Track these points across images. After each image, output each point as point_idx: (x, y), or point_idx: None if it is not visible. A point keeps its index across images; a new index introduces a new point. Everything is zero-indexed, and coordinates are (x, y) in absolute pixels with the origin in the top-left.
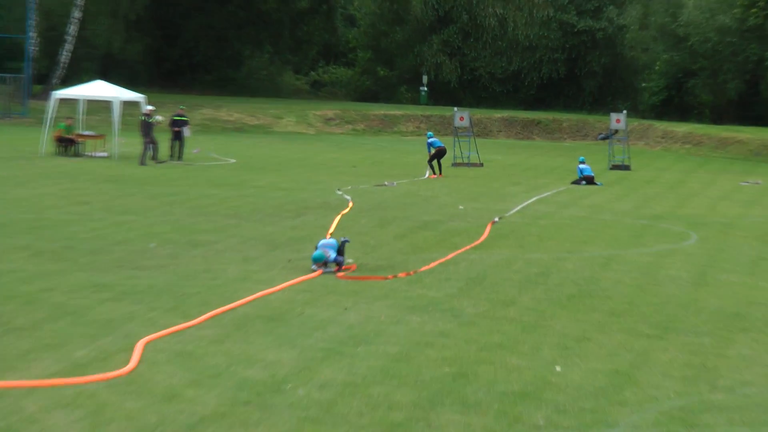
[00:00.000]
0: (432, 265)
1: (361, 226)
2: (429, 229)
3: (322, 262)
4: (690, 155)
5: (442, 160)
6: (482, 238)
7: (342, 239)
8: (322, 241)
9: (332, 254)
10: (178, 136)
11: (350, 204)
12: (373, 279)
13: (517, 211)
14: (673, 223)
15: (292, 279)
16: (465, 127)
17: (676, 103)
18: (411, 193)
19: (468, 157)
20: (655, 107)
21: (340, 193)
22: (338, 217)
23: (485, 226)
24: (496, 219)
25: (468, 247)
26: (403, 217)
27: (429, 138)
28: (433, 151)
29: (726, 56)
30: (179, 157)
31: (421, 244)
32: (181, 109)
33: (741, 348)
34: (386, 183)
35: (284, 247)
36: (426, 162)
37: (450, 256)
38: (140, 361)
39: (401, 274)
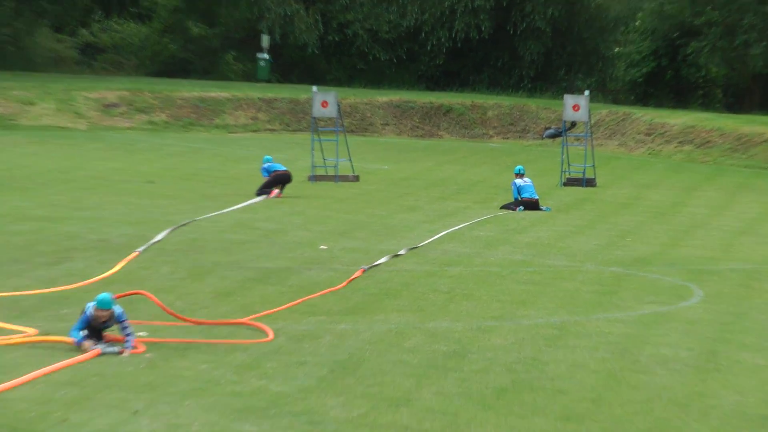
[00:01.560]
0: (276, 338)
1: (161, 277)
2: (272, 281)
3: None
4: (691, 162)
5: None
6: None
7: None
8: (94, 302)
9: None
10: None
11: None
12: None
13: (415, 252)
14: (665, 272)
15: (50, 365)
16: (330, 118)
17: (668, 80)
18: (243, 224)
19: (336, 167)
20: (636, 86)
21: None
22: (122, 263)
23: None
24: (365, 267)
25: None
26: (229, 264)
27: (266, 162)
28: (270, 176)
29: (748, 4)
30: None
31: (260, 305)
32: None
33: None
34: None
35: (33, 312)
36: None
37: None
38: None
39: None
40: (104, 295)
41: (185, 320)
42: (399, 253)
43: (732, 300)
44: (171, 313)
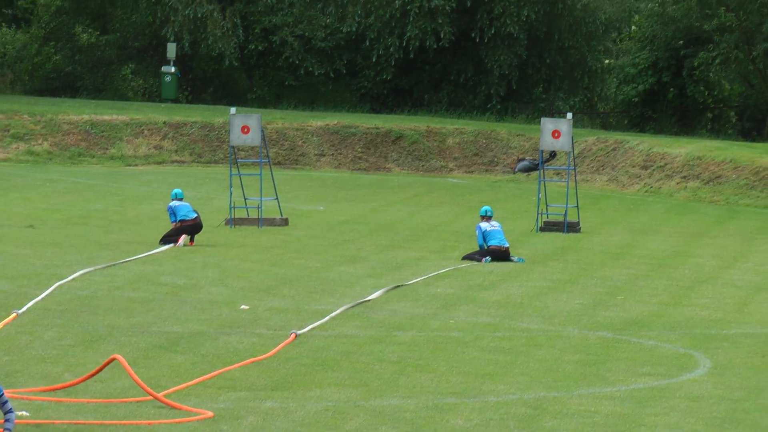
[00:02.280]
0: (184, 420)
1: (45, 344)
2: (181, 349)
3: None
4: (697, 201)
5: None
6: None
7: None
8: None
9: None
10: None
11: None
12: None
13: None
14: (664, 338)
15: None
16: (253, 148)
17: (670, 100)
18: (146, 279)
19: (260, 208)
20: (631, 107)
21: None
22: None
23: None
24: (296, 332)
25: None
26: (129, 327)
27: (173, 199)
28: (176, 222)
29: None
30: None
31: (167, 379)
32: None
33: None
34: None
35: None
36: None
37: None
38: None
39: None
40: None
41: (155, 397)
42: (368, 298)
43: (745, 372)
44: (143, 387)
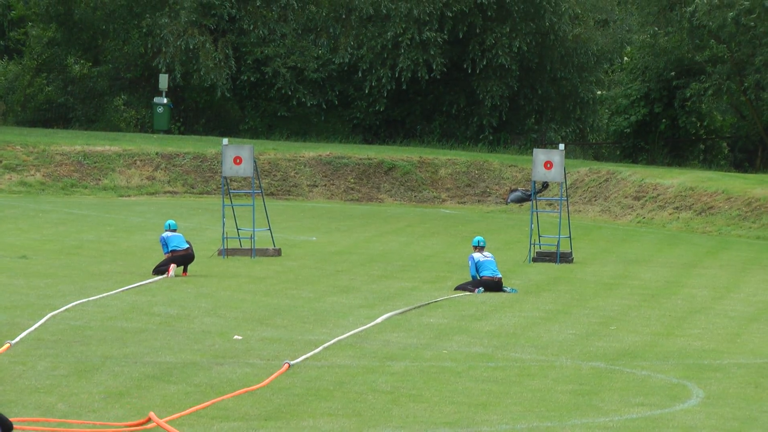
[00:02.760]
0: None
1: (38, 374)
2: (174, 379)
3: None
4: (689, 232)
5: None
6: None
7: None
8: None
9: None
10: None
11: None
12: None
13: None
14: (657, 368)
15: None
16: (245, 178)
17: (662, 131)
18: (139, 309)
19: (253, 239)
20: (623, 138)
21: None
22: None
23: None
24: (289, 362)
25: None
26: (122, 357)
27: (166, 230)
28: (168, 253)
29: (763, 36)
30: None
31: (160, 408)
32: None
33: None
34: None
35: None
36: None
37: None
38: None
39: None
40: None
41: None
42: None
43: (738, 402)
44: None
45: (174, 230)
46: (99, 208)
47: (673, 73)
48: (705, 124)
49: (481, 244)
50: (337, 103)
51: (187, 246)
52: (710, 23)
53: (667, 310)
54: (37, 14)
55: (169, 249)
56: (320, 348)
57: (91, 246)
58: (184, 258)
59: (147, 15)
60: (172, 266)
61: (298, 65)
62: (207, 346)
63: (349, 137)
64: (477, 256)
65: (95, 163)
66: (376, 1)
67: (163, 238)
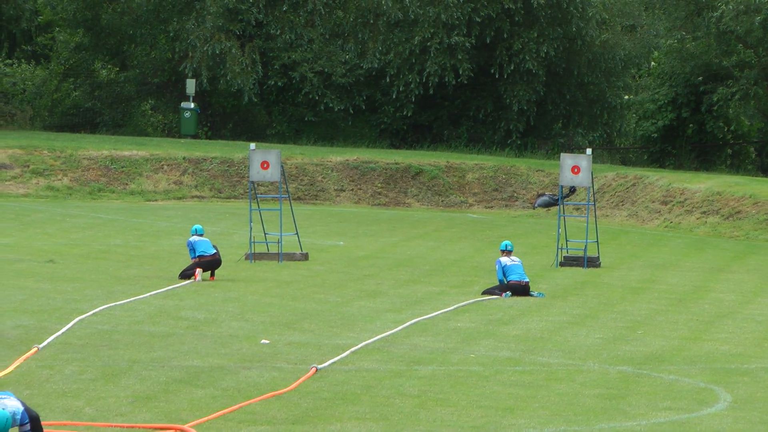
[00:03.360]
0: None
1: (66, 378)
2: (202, 383)
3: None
4: (717, 236)
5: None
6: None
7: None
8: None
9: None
10: None
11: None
12: None
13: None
14: (684, 372)
15: None
16: (272, 183)
17: (690, 136)
18: (166, 313)
19: (280, 243)
20: (651, 143)
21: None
22: (18, 362)
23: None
24: (316, 366)
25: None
26: (149, 361)
27: (193, 234)
28: (195, 258)
29: None
30: None
31: (187, 412)
32: None
33: None
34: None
35: None
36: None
37: None
38: None
39: None
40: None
41: None
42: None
43: (766, 406)
44: None
45: (201, 235)
46: (126, 212)
47: (700, 78)
48: (732, 128)
49: (509, 248)
50: (364, 108)
51: (214, 251)
52: (737, 28)
53: (695, 314)
54: (64, 19)
55: (196, 254)
56: (347, 352)
57: (118, 250)
58: (210, 263)
59: (174, 20)
60: (198, 270)
61: (326, 70)
62: (234, 350)
63: (376, 142)
64: (504, 260)
65: (122, 167)
66: (404, 6)
67: (190, 242)
